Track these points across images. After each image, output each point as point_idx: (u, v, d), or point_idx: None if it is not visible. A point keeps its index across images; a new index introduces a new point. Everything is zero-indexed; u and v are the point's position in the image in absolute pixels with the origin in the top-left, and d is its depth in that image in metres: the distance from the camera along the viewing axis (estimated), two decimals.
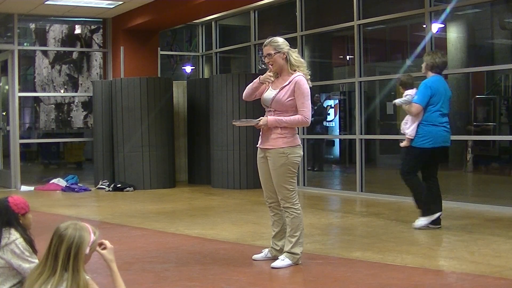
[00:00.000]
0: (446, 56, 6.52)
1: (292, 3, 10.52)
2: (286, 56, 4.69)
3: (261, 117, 4.73)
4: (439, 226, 6.19)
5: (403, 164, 6.33)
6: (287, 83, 4.66)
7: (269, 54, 4.70)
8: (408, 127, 6.13)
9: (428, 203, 6.12)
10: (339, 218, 7.50)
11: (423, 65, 6.24)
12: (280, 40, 4.73)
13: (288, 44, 4.76)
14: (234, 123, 4.92)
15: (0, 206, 3.17)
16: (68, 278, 2.63)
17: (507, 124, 11.32)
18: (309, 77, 4.74)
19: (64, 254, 2.66)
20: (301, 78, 4.64)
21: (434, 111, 6.02)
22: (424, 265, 4.74)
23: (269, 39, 4.75)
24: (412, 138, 6.08)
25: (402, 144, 6.26)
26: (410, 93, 6.22)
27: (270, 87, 4.78)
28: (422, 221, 6.14)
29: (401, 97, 6.33)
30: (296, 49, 4.83)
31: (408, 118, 6.21)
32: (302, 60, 4.78)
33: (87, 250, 2.72)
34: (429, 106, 6.01)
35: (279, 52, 4.68)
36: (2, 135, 11.66)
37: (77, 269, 2.66)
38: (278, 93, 4.67)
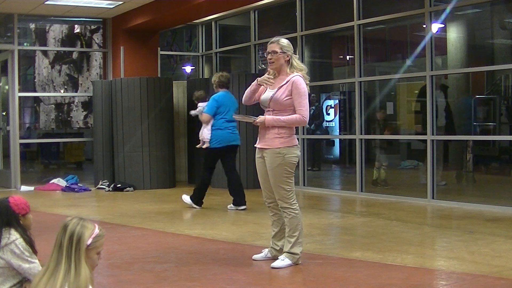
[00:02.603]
0: (228, 74, 8.09)
1: (292, 3, 10.52)
2: (289, 59, 4.75)
3: (260, 115, 4.77)
4: (244, 207, 7.75)
5: (204, 161, 8.03)
6: (284, 82, 4.69)
7: (275, 52, 4.74)
8: (205, 132, 7.79)
9: (235, 195, 7.79)
10: (339, 218, 7.50)
11: (214, 85, 7.92)
12: (286, 42, 4.80)
13: (292, 48, 4.83)
14: (234, 116, 5.03)
15: (0, 206, 3.17)
16: (72, 267, 2.63)
17: (507, 124, 11.30)
18: (308, 82, 4.78)
19: (68, 243, 2.66)
20: (298, 78, 4.68)
21: (220, 118, 7.70)
22: (424, 265, 4.75)
23: (277, 38, 4.81)
24: (208, 140, 7.73)
25: (199, 146, 7.98)
26: (202, 105, 8.19)
27: (268, 88, 4.81)
28: (189, 201, 7.93)
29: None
30: (296, 55, 4.89)
31: (203, 126, 7.87)
32: (304, 66, 4.84)
33: (89, 241, 2.70)
34: (217, 115, 7.70)
35: (284, 53, 4.73)
36: (2, 135, 11.66)
37: (79, 258, 2.66)
38: (276, 92, 4.69)
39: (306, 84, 4.74)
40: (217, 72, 8.17)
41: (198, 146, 8.02)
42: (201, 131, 7.92)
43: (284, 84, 4.68)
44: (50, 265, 2.68)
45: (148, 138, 10.35)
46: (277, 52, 4.72)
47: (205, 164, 7.99)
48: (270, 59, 4.76)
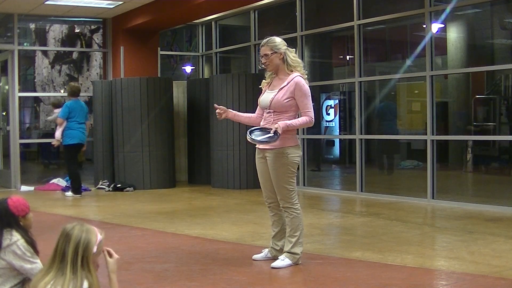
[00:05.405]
0: (79, 84, 10.18)
1: (292, 3, 10.52)
2: (283, 57, 4.69)
3: (274, 126, 4.55)
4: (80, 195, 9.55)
5: (66, 159, 9.79)
6: (285, 83, 4.66)
7: (266, 55, 4.70)
8: (57, 133, 9.48)
9: (78, 182, 9.56)
10: (339, 218, 7.50)
11: (67, 93, 9.79)
12: (277, 40, 4.73)
13: (285, 44, 4.76)
14: (251, 141, 4.66)
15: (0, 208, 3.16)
16: (78, 276, 2.61)
17: (507, 124, 11.30)
18: (306, 76, 4.76)
19: (72, 253, 2.63)
20: (301, 79, 4.65)
21: (73, 121, 9.40)
22: (424, 265, 4.75)
23: (267, 39, 4.74)
24: (60, 139, 9.44)
25: (54, 144, 9.72)
26: (57, 111, 10.05)
27: (267, 89, 4.79)
28: (71, 194, 9.56)
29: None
30: (294, 49, 4.84)
31: (57, 128, 9.56)
32: (299, 60, 4.79)
33: (95, 249, 2.70)
34: (69, 118, 9.40)
35: (276, 52, 4.68)
36: (2, 135, 11.66)
37: (88, 267, 2.64)
38: (277, 94, 4.67)
39: (305, 78, 4.71)
40: (71, 83, 9.94)
41: (54, 143, 9.73)
42: (57, 133, 9.59)
43: (285, 85, 4.65)
44: (52, 272, 2.64)
45: (148, 138, 10.36)
46: (268, 55, 4.69)
47: (67, 159, 9.71)
48: (265, 62, 4.72)
